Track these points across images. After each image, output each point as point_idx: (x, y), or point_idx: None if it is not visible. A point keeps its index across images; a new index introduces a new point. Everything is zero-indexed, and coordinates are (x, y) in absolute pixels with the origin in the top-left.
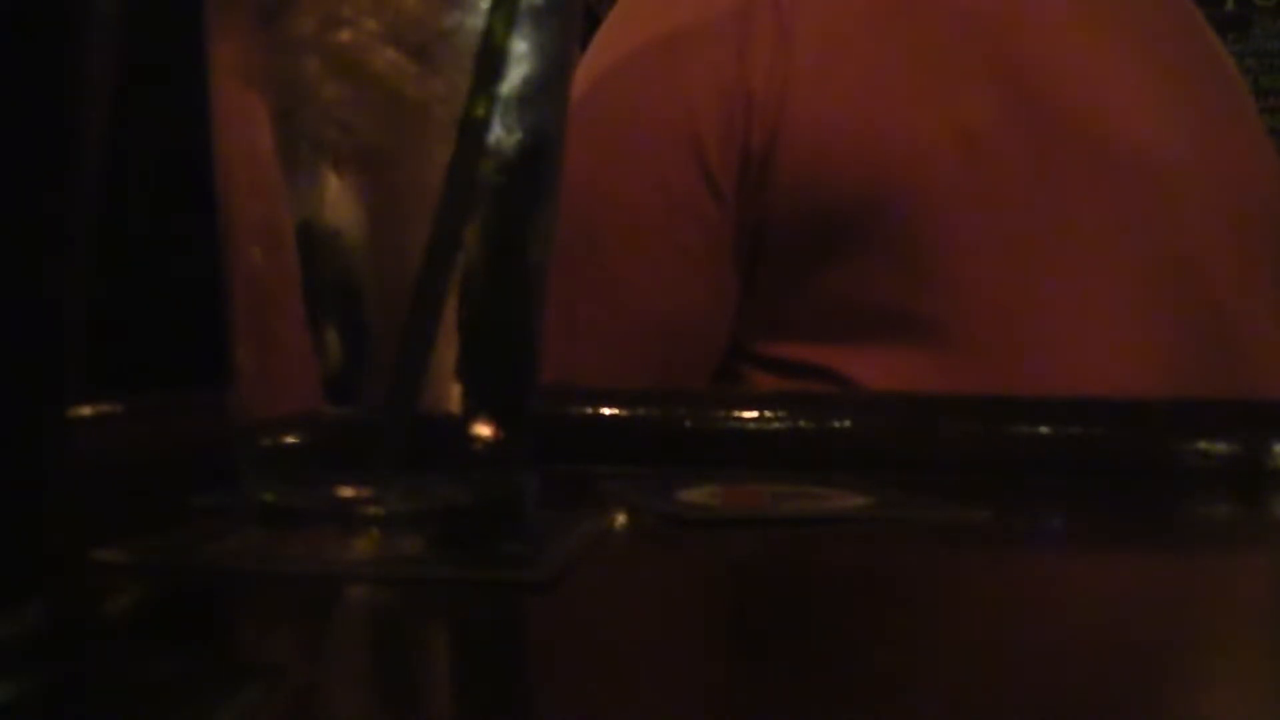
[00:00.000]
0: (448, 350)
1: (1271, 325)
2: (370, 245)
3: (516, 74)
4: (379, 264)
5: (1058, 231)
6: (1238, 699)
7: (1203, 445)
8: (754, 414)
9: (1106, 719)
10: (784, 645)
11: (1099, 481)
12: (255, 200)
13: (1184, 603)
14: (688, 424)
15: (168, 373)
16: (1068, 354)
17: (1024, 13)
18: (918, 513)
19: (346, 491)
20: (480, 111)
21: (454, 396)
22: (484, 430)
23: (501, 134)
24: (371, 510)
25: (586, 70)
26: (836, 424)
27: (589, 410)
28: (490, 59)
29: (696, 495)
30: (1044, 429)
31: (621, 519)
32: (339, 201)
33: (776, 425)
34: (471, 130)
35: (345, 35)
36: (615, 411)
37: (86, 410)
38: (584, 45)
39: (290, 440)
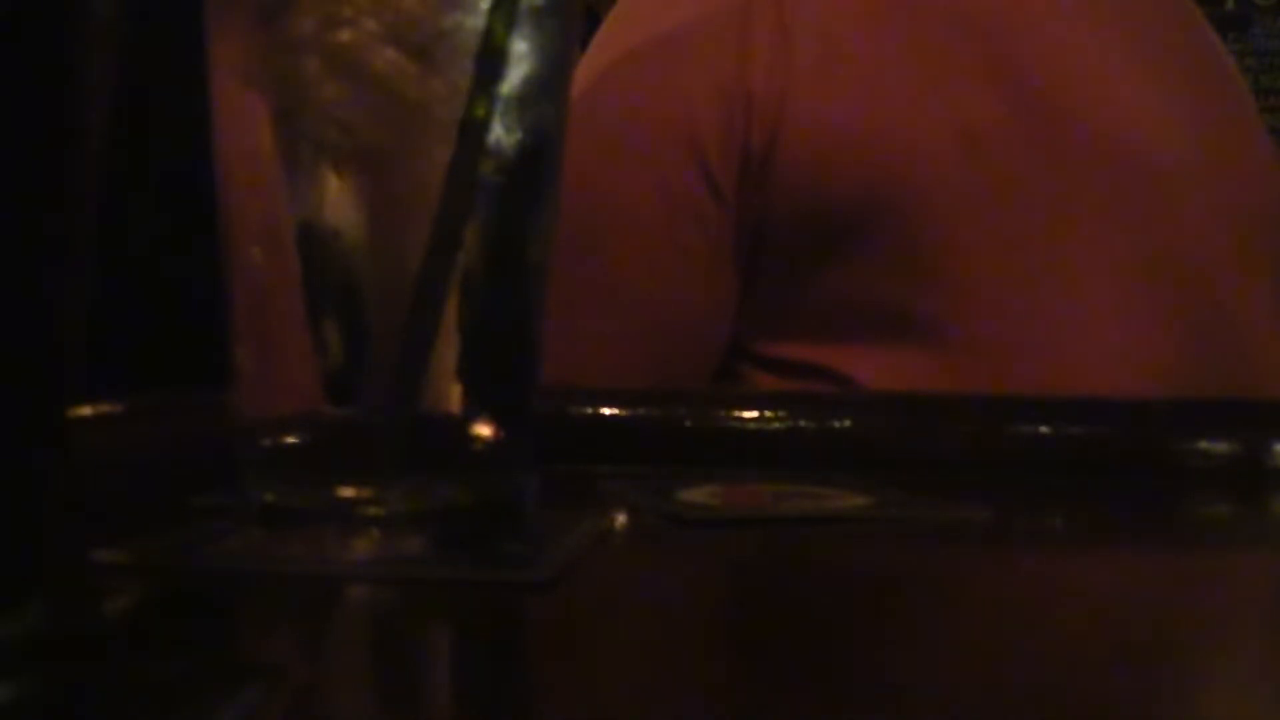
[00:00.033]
0: (448, 350)
1: (1271, 325)
2: (370, 245)
3: (516, 74)
4: (379, 264)
5: (1058, 231)
6: (1238, 699)
7: (1203, 445)
8: (754, 414)
9: (1106, 719)
10: (784, 645)
11: (1099, 481)
12: (255, 200)
13: (1184, 602)
14: (688, 424)
15: (168, 373)
16: (1068, 354)
17: (1024, 12)
18: (918, 513)
19: (347, 491)
20: (480, 111)
21: (454, 397)
22: (484, 430)
23: (501, 134)
24: (372, 510)
25: (586, 70)
26: (836, 424)
27: (589, 410)
28: (490, 59)
29: (696, 495)
30: (1044, 429)
31: (621, 519)
32: (339, 201)
33: (776, 425)
34: (471, 130)
35: (345, 35)
36: (616, 411)
37: (86, 410)
38: (584, 45)
39: (290, 440)
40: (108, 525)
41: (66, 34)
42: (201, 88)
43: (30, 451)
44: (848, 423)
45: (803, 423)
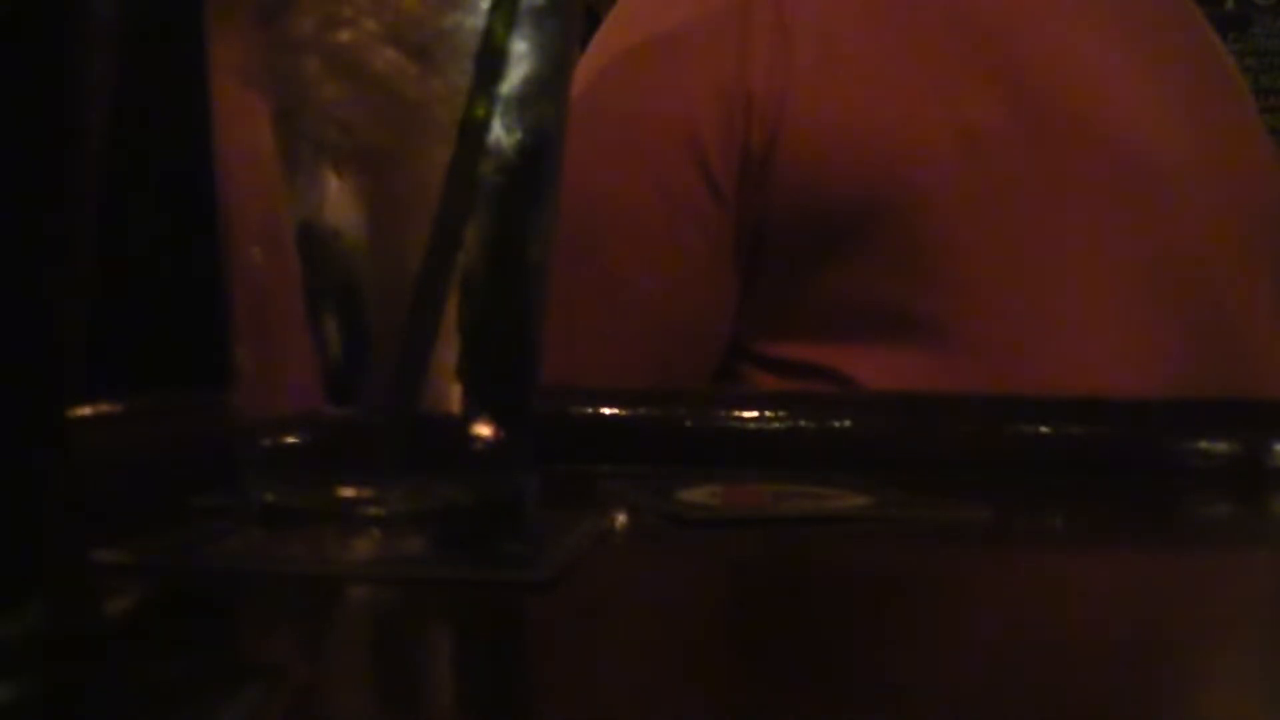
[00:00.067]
0: (448, 350)
1: (1272, 325)
2: (370, 245)
3: (516, 74)
4: (379, 264)
5: (1058, 231)
6: (1238, 699)
7: (1203, 445)
8: (754, 414)
9: (1106, 719)
10: (784, 645)
11: (1099, 481)
12: (255, 200)
13: (1184, 602)
14: (688, 424)
15: (168, 373)
16: (1067, 353)
17: (1024, 12)
18: (918, 513)
19: (347, 491)
20: (480, 111)
21: (454, 397)
22: (485, 430)
23: (501, 134)
24: (372, 510)
25: (586, 70)
26: (836, 424)
27: (590, 410)
28: (490, 59)
29: (696, 495)
30: (1044, 429)
31: (621, 519)
32: (339, 201)
33: (776, 425)
34: (471, 130)
35: (345, 35)
36: (616, 411)
37: (86, 410)
38: (584, 45)
39: (290, 440)
40: (108, 525)
41: (66, 34)
42: (201, 88)
43: (30, 451)
44: (848, 423)
45: (803, 423)
